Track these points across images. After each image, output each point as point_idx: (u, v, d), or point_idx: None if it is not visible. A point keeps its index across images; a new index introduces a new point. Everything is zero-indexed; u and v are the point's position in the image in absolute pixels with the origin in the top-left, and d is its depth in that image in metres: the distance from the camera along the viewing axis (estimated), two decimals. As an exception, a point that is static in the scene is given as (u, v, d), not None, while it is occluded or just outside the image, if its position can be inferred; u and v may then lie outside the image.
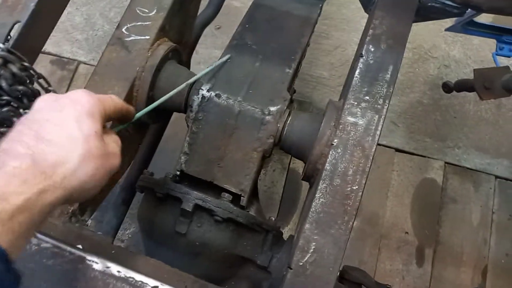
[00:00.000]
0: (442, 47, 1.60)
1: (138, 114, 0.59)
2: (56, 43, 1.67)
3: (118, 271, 0.46)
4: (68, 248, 0.47)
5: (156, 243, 0.82)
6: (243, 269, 0.82)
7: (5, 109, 0.56)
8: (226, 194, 0.76)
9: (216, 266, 0.79)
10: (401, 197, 1.44)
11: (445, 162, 1.47)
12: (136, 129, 0.80)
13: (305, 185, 1.46)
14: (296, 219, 1.43)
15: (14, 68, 0.55)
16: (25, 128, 0.43)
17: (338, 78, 1.58)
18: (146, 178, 0.80)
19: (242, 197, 0.76)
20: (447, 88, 1.11)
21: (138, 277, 0.46)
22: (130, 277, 0.46)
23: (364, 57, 0.71)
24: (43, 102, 0.47)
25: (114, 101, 0.52)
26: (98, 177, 0.45)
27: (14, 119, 0.58)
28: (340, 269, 0.84)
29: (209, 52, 1.62)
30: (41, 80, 0.63)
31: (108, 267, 0.47)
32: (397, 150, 1.49)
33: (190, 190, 0.74)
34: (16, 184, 0.38)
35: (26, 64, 0.58)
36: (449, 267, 1.36)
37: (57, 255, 0.47)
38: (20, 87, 0.57)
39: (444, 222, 1.41)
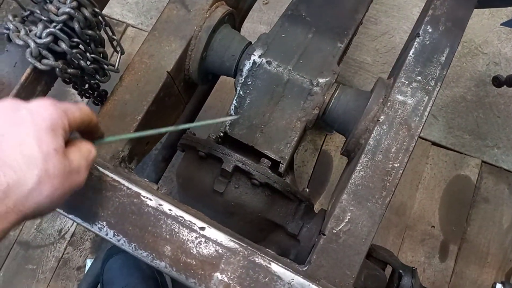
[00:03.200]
0: (494, 44, 1.54)
1: (111, 138, 0.54)
2: (108, 4, 1.70)
3: (170, 209, 0.50)
4: (126, 183, 0.50)
5: (192, 199, 0.86)
6: (274, 234, 0.84)
7: (74, 50, 0.59)
8: (266, 160, 0.78)
9: (248, 228, 0.82)
10: (432, 191, 1.43)
11: (482, 161, 1.44)
12: (185, 89, 0.83)
13: (335, 168, 1.48)
14: (323, 200, 1.45)
15: (86, 12, 0.58)
16: None
17: (381, 65, 1.56)
18: (189, 137, 0.83)
19: (281, 164, 0.78)
20: (498, 82, 1.08)
21: (187, 217, 0.49)
22: (180, 216, 0.49)
23: (420, 37, 0.70)
24: (1, 111, 0.42)
25: (84, 112, 0.47)
26: (55, 197, 0.41)
27: (81, 62, 0.62)
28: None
29: (254, 27, 1.62)
30: (107, 29, 0.66)
31: (160, 205, 0.50)
32: (434, 143, 1.47)
33: (232, 152, 0.76)
34: None
35: (97, 10, 0.61)
36: (472, 265, 1.35)
37: (115, 188, 0.50)
38: (90, 32, 0.60)
39: (473, 220, 1.39)
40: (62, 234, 1.44)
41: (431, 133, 1.48)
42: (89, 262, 1.34)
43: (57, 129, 0.42)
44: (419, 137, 1.44)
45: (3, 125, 0.41)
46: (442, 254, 1.37)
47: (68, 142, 0.45)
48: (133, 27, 1.68)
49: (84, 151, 0.46)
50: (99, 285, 1.00)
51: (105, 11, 1.73)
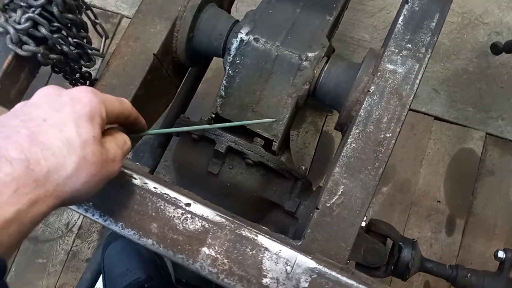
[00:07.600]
0: (495, 13, 1.50)
1: (151, 132, 0.56)
2: (102, -4, 1.70)
3: (155, 187, 0.49)
4: (110, 163, 0.50)
5: (189, 182, 0.86)
6: (271, 213, 0.84)
7: (55, 35, 0.59)
8: (258, 139, 0.77)
9: (245, 208, 0.82)
10: (436, 165, 1.41)
11: (486, 133, 1.41)
12: (174, 71, 0.82)
13: (337, 148, 1.46)
14: (326, 180, 1.44)
15: (65, -4, 0.58)
16: (20, 125, 0.40)
17: (379, 42, 1.53)
18: (182, 121, 0.83)
19: (274, 143, 0.78)
20: (496, 49, 1.05)
21: (173, 194, 0.49)
22: (165, 194, 0.49)
23: (409, 4, 0.68)
24: (44, 96, 0.43)
25: (123, 105, 0.48)
26: (92, 184, 0.42)
27: (64, 47, 0.62)
28: (368, 221, 0.85)
29: (249, 10, 1.60)
30: (89, 13, 0.66)
31: (145, 183, 0.50)
32: (436, 118, 1.45)
33: (224, 133, 0.76)
34: (7, 194, 0.36)
35: (75, -7, 0.60)
36: (480, 239, 1.34)
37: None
38: (70, 15, 0.60)
39: (479, 194, 1.37)
40: (69, 227, 1.46)
41: (433, 107, 1.45)
42: (97, 253, 1.36)
43: (94, 117, 0.43)
44: (422, 112, 1.43)
45: (46, 110, 0.41)
46: (449, 228, 1.36)
47: (105, 131, 0.46)
48: (128, 18, 1.67)
49: (120, 140, 0.47)
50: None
51: (99, 3, 1.73)
